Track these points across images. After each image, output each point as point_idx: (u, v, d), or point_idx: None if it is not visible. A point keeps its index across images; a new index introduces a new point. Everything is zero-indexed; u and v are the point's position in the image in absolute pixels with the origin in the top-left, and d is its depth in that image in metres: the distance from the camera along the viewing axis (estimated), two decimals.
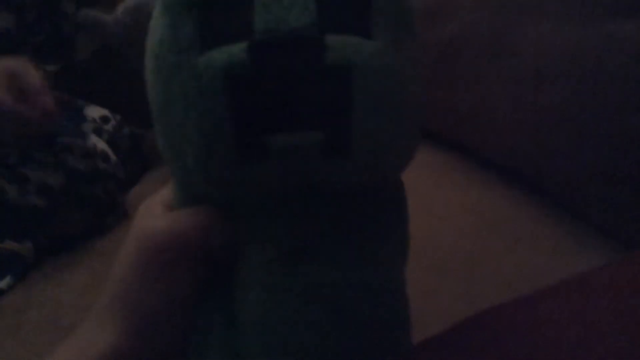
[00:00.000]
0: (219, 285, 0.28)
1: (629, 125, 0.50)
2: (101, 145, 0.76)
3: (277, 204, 0.26)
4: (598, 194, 0.53)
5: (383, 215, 0.28)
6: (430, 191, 0.62)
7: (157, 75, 0.25)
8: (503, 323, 0.27)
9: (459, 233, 0.55)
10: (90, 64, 0.91)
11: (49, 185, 0.69)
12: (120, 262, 0.27)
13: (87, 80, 0.87)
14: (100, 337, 0.26)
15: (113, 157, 0.77)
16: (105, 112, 0.83)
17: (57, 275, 0.66)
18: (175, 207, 0.29)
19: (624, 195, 0.51)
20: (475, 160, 0.67)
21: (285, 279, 0.26)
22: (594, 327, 0.26)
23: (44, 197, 0.68)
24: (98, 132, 0.80)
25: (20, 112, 0.63)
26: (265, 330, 0.26)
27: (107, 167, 0.75)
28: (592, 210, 0.55)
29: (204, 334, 0.27)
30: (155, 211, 0.29)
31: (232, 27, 0.24)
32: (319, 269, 0.26)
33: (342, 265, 0.26)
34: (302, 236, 0.26)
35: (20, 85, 0.64)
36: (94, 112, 0.82)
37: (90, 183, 0.72)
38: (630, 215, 0.51)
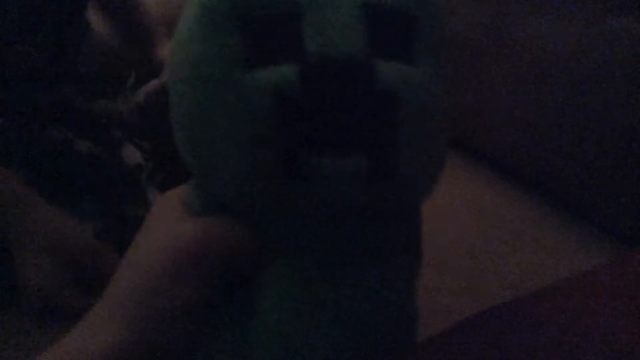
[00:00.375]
0: (231, 292, 0.28)
1: (631, 123, 0.50)
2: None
3: (293, 217, 0.26)
4: (599, 193, 0.53)
5: (397, 227, 0.28)
6: None
7: (193, 87, 0.25)
8: (505, 322, 0.27)
9: (461, 231, 0.55)
10: None
11: None
12: (137, 261, 0.27)
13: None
14: (104, 334, 0.26)
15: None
16: (140, 159, 0.78)
17: None
18: (193, 210, 0.28)
19: (626, 194, 0.51)
20: (477, 159, 0.67)
21: (300, 290, 0.26)
22: (595, 325, 0.26)
23: None
24: None
25: None
26: (278, 341, 0.26)
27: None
28: (594, 209, 0.55)
29: (214, 340, 0.28)
30: (174, 210, 0.28)
31: (280, 45, 0.23)
32: (334, 282, 0.26)
33: (356, 278, 0.27)
34: (318, 248, 0.26)
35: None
36: (130, 156, 0.78)
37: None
38: (632, 214, 0.51)
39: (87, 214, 0.65)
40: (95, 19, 0.84)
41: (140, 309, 0.26)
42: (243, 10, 0.23)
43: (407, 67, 0.24)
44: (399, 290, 0.28)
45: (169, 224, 0.28)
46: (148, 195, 0.76)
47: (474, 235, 0.55)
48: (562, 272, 0.31)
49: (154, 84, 0.75)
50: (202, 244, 0.26)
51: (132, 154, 0.79)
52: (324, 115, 0.23)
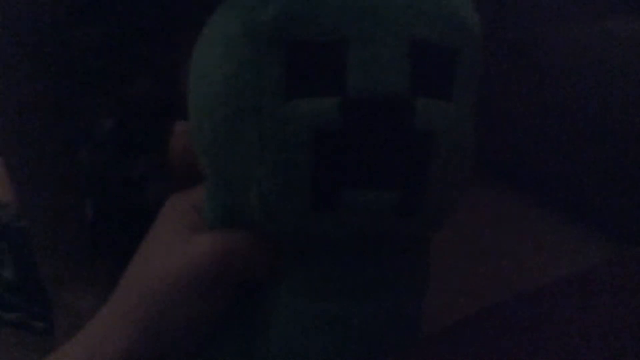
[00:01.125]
0: (241, 301, 0.28)
1: (630, 123, 0.50)
2: None
3: (314, 240, 0.27)
4: (598, 192, 0.53)
5: (412, 251, 0.28)
6: None
7: (222, 107, 0.24)
8: (504, 321, 0.27)
9: (459, 230, 0.55)
10: None
11: None
12: (150, 269, 0.27)
13: None
14: (117, 338, 0.26)
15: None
16: None
17: None
18: (206, 217, 0.28)
19: (625, 193, 0.51)
20: (475, 157, 0.67)
21: (312, 306, 0.27)
22: (594, 324, 0.26)
23: None
24: None
25: None
26: (287, 355, 0.27)
27: None
28: (593, 208, 0.55)
29: (220, 348, 0.28)
30: (186, 214, 0.28)
31: (322, 76, 0.23)
32: (346, 299, 0.27)
33: (368, 296, 0.27)
34: (332, 266, 0.26)
35: None
36: None
37: None
38: (631, 213, 0.51)
39: None
40: None
41: (154, 319, 0.26)
42: (287, 35, 0.23)
43: (446, 105, 0.24)
44: (408, 309, 0.28)
45: (183, 232, 0.27)
46: None
47: (472, 234, 0.55)
48: (560, 271, 0.31)
49: None
50: (219, 261, 0.26)
51: None
52: (359, 150, 0.23)
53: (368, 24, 0.23)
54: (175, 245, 0.27)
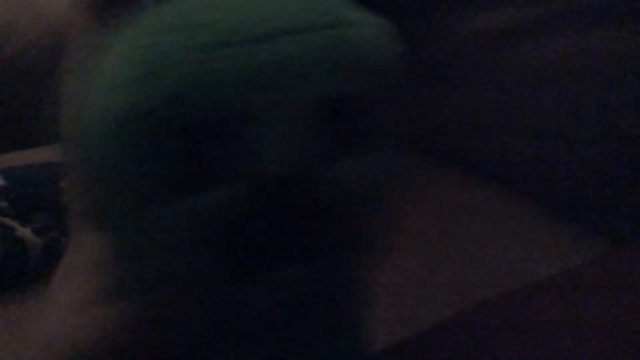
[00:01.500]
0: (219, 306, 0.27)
1: (624, 125, 0.51)
2: None
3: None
4: (591, 192, 0.54)
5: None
6: (423, 187, 0.63)
7: (109, 193, 0.22)
8: (496, 319, 0.28)
9: (452, 228, 0.55)
10: None
11: None
12: (55, 344, 0.25)
13: None
14: None
15: None
16: None
17: None
18: (109, 277, 0.26)
19: (617, 193, 0.52)
20: (469, 159, 0.68)
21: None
22: (586, 322, 0.26)
23: None
24: None
25: None
26: None
27: None
28: (585, 208, 0.55)
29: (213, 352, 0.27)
30: (87, 271, 0.26)
31: (222, 163, 0.21)
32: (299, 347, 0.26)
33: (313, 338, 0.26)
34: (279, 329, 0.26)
35: None
36: None
37: None
38: (623, 212, 0.51)
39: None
40: None
41: None
42: (180, 121, 0.20)
43: (364, 163, 0.23)
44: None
45: (83, 297, 0.25)
46: None
47: (465, 231, 0.55)
48: (552, 269, 0.31)
49: None
50: (121, 341, 0.24)
51: None
52: (273, 233, 0.21)
53: (269, 96, 0.21)
54: (73, 315, 0.25)
